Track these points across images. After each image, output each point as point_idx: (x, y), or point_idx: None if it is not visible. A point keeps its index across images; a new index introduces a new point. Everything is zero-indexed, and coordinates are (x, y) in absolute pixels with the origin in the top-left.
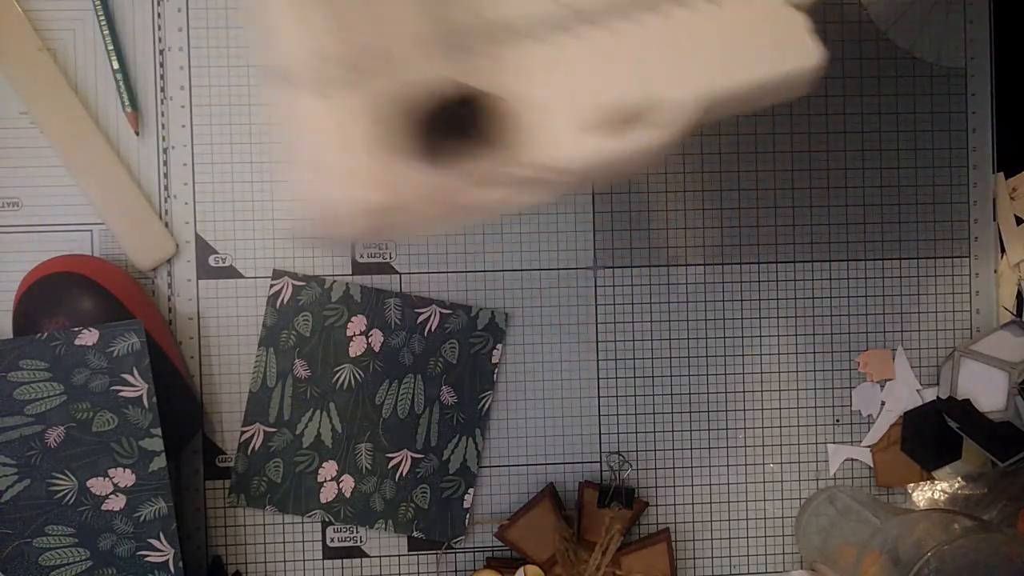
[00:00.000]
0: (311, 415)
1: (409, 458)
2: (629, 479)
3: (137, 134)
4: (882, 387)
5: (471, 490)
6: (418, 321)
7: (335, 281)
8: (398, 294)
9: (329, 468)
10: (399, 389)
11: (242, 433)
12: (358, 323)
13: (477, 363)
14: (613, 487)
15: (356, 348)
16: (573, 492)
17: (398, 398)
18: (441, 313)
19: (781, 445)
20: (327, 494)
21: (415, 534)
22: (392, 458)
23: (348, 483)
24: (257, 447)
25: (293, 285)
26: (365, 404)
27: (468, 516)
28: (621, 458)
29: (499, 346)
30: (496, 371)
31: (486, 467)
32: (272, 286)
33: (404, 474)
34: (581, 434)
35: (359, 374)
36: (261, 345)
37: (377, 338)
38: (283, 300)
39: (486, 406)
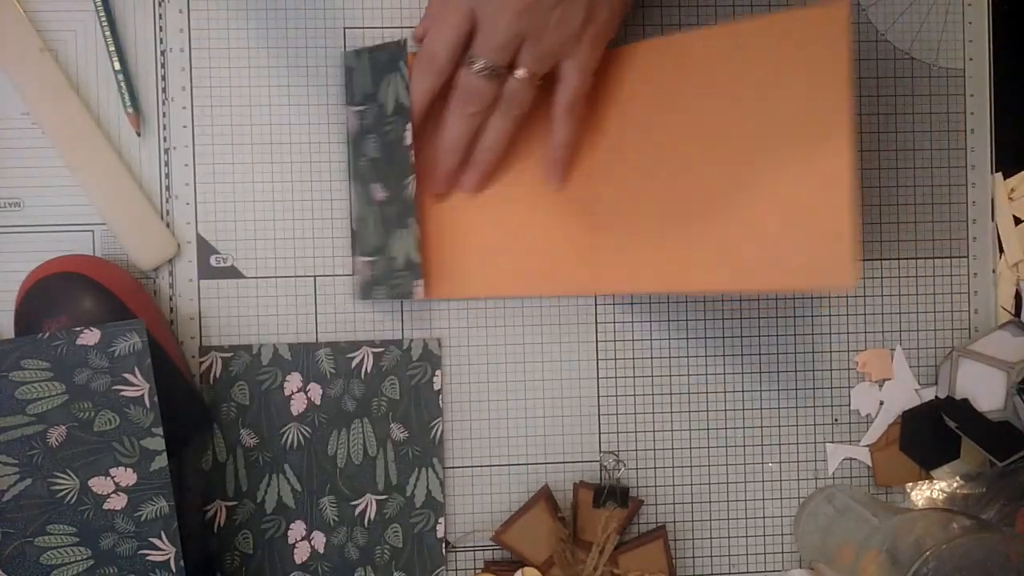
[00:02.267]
0: (268, 480)
1: (373, 502)
2: (626, 478)
3: (139, 135)
4: (880, 387)
5: (442, 519)
6: (352, 366)
7: (262, 345)
8: (327, 344)
9: (297, 528)
10: (349, 436)
11: (204, 513)
12: (294, 381)
13: (421, 393)
14: (608, 487)
15: (298, 406)
16: (571, 492)
17: (350, 445)
18: (373, 353)
19: (780, 444)
20: (301, 554)
21: (396, 574)
22: (356, 505)
23: (319, 539)
24: (223, 523)
25: (222, 358)
26: (319, 458)
27: (444, 545)
28: (615, 458)
29: (438, 372)
30: (440, 397)
31: (485, 467)
32: (201, 363)
33: (372, 518)
34: (580, 434)
35: (306, 431)
36: (211, 422)
37: (316, 391)
38: (215, 375)
39: (438, 434)
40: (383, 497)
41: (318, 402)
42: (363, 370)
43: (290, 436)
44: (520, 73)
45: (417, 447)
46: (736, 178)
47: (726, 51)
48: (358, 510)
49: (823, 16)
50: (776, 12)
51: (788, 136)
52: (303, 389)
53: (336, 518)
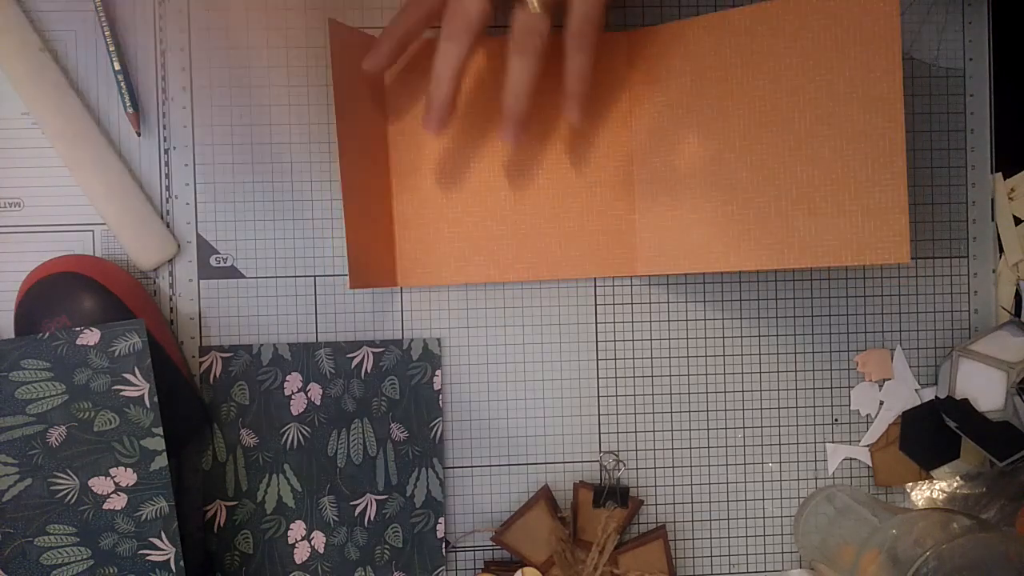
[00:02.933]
0: (268, 480)
1: (373, 502)
2: (626, 478)
3: (139, 134)
4: (881, 387)
5: (441, 519)
6: (352, 366)
7: (262, 345)
8: (327, 344)
9: (297, 528)
10: (349, 436)
11: (204, 513)
12: (294, 380)
13: (420, 393)
14: (607, 486)
15: (297, 406)
16: (571, 492)
17: (350, 445)
18: (373, 353)
19: (780, 444)
20: (301, 554)
21: (395, 574)
22: (357, 505)
23: (319, 539)
24: (223, 523)
25: (222, 358)
26: (319, 458)
27: (444, 545)
28: (615, 458)
29: (438, 372)
30: (440, 397)
31: (485, 467)
32: (201, 363)
33: (372, 518)
34: (580, 434)
35: (306, 431)
36: (209, 423)
37: (316, 391)
38: (215, 375)
39: (438, 434)
40: (383, 497)
41: (318, 402)
42: (363, 370)
43: (290, 436)
44: (534, 3)
45: (417, 447)
46: (789, 154)
47: (778, 28)
48: (358, 510)
49: None
50: None
51: (841, 112)
52: (303, 389)
53: (336, 518)
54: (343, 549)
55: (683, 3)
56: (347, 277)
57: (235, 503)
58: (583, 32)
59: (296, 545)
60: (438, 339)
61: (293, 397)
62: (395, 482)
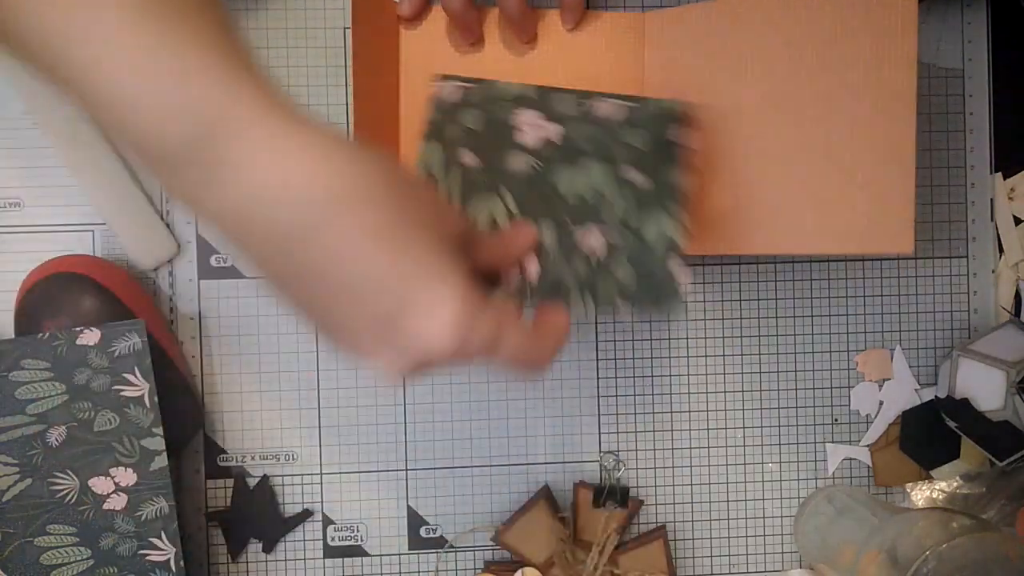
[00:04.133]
0: (483, 201)
1: (601, 236)
2: (626, 478)
3: None
4: (880, 387)
5: (678, 259)
6: (598, 114)
7: (509, 82)
8: (577, 92)
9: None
10: (583, 175)
11: None
12: (531, 116)
13: (663, 147)
14: (608, 487)
15: (531, 138)
16: (571, 492)
17: (580, 182)
18: (619, 106)
19: (780, 445)
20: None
21: (621, 302)
22: (584, 236)
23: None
24: None
25: (463, 87)
26: (544, 189)
27: (680, 286)
28: (615, 458)
29: (683, 129)
30: (683, 152)
31: (485, 467)
32: (439, 88)
33: (598, 253)
34: (580, 434)
35: (538, 164)
36: (426, 140)
37: (553, 129)
38: (449, 99)
39: (678, 182)
40: (613, 234)
41: (555, 139)
42: (608, 118)
43: (517, 163)
44: None
45: (655, 192)
46: (798, 141)
47: (795, 15)
48: (584, 242)
49: None
50: None
51: (853, 101)
52: (540, 124)
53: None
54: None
55: None
56: None
57: None
58: None
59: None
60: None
61: (526, 129)
62: (629, 222)
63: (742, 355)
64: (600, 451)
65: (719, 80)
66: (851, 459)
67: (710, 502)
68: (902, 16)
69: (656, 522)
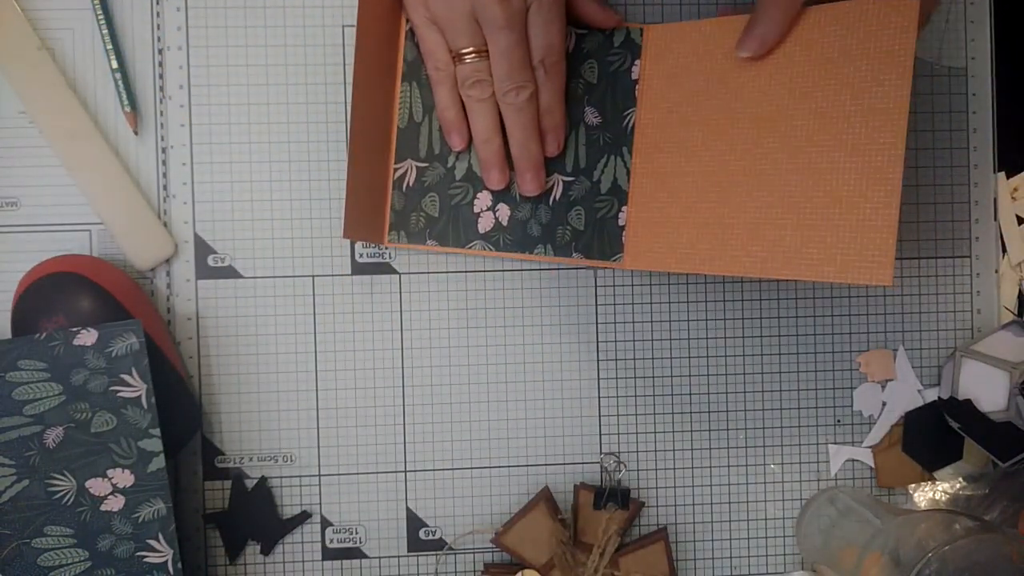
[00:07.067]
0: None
1: (560, 182)
2: (626, 480)
3: (136, 133)
4: (883, 387)
5: (624, 207)
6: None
7: None
8: None
9: (484, 198)
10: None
11: (395, 171)
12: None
13: (618, 80)
14: (608, 488)
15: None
16: (571, 494)
17: None
18: (576, 34)
19: (782, 445)
20: (484, 224)
21: (574, 255)
22: (545, 183)
23: (504, 212)
24: (411, 183)
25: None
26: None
27: (623, 234)
28: (616, 459)
29: (637, 62)
30: (637, 87)
31: (485, 467)
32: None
33: (557, 198)
34: (580, 435)
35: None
36: (404, 81)
37: None
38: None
39: (630, 123)
40: (570, 179)
41: None
42: (567, 48)
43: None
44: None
45: (609, 134)
46: (787, 161)
47: (794, 34)
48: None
49: (893, 7)
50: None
51: (844, 123)
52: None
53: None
54: (526, 225)
55: (702, 2)
56: (345, 268)
57: (426, 164)
58: (546, 64)
59: (481, 214)
60: (641, 29)
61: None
62: (583, 166)
63: (744, 356)
64: (601, 452)
65: (718, 96)
66: (853, 460)
67: (711, 503)
68: (900, 41)
69: (657, 524)
